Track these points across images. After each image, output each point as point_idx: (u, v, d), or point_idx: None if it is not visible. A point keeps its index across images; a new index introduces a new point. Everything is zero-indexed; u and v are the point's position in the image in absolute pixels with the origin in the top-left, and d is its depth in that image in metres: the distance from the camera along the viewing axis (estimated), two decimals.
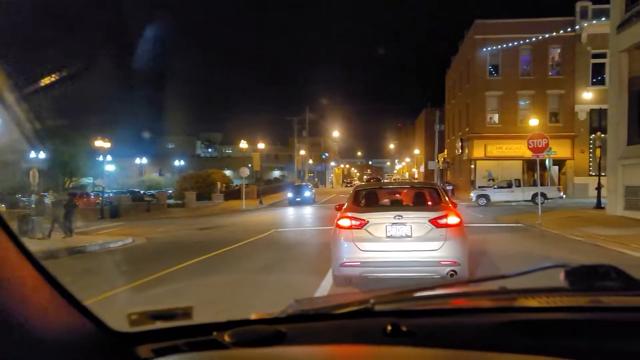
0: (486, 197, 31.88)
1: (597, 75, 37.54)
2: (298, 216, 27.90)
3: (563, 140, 37.05)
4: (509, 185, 32.48)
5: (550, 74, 38.45)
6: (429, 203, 8.03)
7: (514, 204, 31.42)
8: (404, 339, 1.33)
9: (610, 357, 1.22)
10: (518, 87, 38.35)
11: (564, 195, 32.37)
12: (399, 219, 7.22)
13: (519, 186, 32.49)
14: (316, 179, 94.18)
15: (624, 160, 18.98)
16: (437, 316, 1.49)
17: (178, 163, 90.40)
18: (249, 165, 42.29)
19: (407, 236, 7.20)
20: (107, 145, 35.87)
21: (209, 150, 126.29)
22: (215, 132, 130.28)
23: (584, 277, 1.40)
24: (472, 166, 40.14)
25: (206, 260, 12.24)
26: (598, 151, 24.62)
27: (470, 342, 1.29)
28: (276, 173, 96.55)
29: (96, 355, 1.28)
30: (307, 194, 38.03)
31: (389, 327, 1.35)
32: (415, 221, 7.22)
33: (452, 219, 7.24)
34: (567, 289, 1.41)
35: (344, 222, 7.42)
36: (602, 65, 37.24)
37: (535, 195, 31.36)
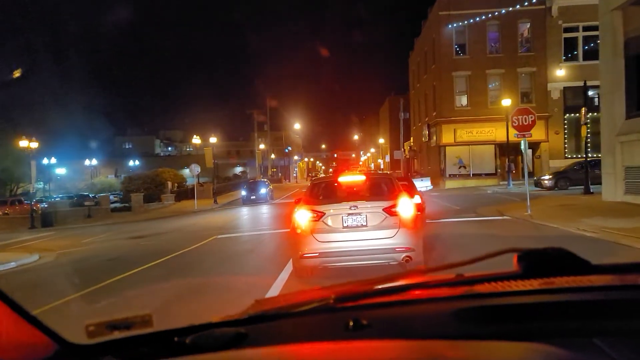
0: None
1: (570, 50, 35.25)
2: (250, 217, 24.48)
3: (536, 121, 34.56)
4: None
5: (520, 51, 35.95)
6: (383, 193, 8.08)
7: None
8: (366, 332, 1.35)
9: (563, 336, 1.25)
10: (487, 66, 35.72)
11: (431, 186, 30.59)
12: (354, 209, 7.45)
13: None
14: (280, 174, 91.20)
15: (623, 136, 16.26)
16: (397, 308, 1.50)
17: (133, 163, 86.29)
18: (216, 161, 38.62)
19: (362, 225, 7.43)
20: (35, 145, 31.66)
21: (169, 148, 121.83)
22: (176, 130, 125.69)
23: (536, 260, 1.41)
24: (442, 153, 37.33)
25: (94, 293, 8.79)
26: (584, 130, 22.01)
27: (430, 331, 1.34)
28: (239, 169, 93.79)
29: None
30: (262, 191, 34.37)
31: (351, 323, 1.37)
32: (369, 211, 7.46)
33: (405, 207, 7.47)
34: (520, 274, 1.42)
35: (302, 215, 7.57)
36: (575, 39, 35.01)
37: None
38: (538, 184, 28.07)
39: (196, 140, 46.02)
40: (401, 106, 57.70)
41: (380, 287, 1.56)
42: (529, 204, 16.03)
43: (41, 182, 75.22)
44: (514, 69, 35.48)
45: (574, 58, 35.06)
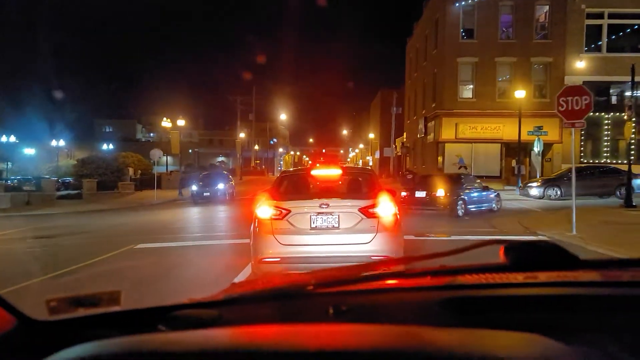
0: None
1: (593, 40, 30.87)
2: (197, 219, 19.57)
3: (550, 119, 30.03)
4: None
5: (535, 38, 31.38)
6: (361, 190, 7.18)
7: None
8: (346, 318, 1.34)
9: (548, 330, 1.16)
10: (497, 53, 31.13)
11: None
12: (325, 207, 6.54)
13: None
14: (263, 167, 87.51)
15: None
16: (378, 295, 1.48)
17: (107, 147, 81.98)
18: (198, 149, 33.86)
19: (334, 227, 6.55)
20: None
21: (151, 134, 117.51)
22: (159, 116, 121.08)
23: (523, 253, 1.39)
24: (440, 151, 32.75)
25: None
26: (628, 129, 17.43)
27: (411, 320, 1.30)
28: (222, 159, 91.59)
29: (10, 345, 1.21)
30: (220, 186, 26.80)
31: (331, 310, 1.34)
32: (343, 210, 6.59)
33: (385, 208, 6.57)
34: (506, 266, 1.40)
35: (263, 212, 6.65)
36: (599, 28, 30.65)
37: None
38: (525, 191, 24.18)
39: (166, 123, 41.03)
40: (394, 100, 53.25)
41: (362, 274, 1.52)
42: (574, 219, 11.47)
43: (9, 162, 70.52)
44: (528, 58, 30.96)
45: (597, 49, 30.69)
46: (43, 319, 1.26)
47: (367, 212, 6.51)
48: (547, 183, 23.30)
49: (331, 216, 6.54)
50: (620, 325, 1.26)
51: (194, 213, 21.59)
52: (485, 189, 18.06)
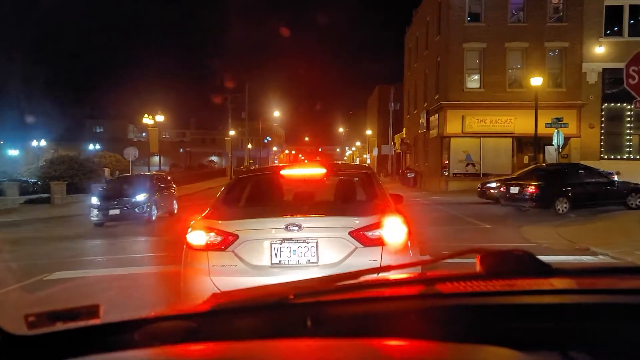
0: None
1: (613, 23, 27.98)
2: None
3: (566, 110, 27.15)
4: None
5: (549, 20, 28.40)
6: (355, 200, 4.89)
7: None
8: (324, 330, 1.33)
9: (521, 338, 1.23)
10: (507, 37, 28.15)
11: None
12: (295, 230, 4.05)
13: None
14: (257, 166, 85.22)
15: None
16: (357, 305, 1.48)
17: (93, 147, 79.75)
18: (189, 149, 30.70)
19: (309, 264, 4.08)
20: None
21: (143, 134, 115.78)
22: (152, 115, 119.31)
23: (499, 262, 1.41)
24: (445, 147, 29.73)
25: None
26: None
27: (390, 329, 1.32)
28: (215, 159, 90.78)
29: None
30: (139, 197, 17.14)
31: (309, 322, 1.34)
32: (325, 234, 4.12)
33: (393, 230, 4.10)
34: (483, 275, 1.42)
35: (196, 238, 4.20)
36: (619, 9, 27.68)
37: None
38: (483, 194, 20.30)
39: (147, 120, 37.98)
40: (391, 95, 50.41)
41: (341, 284, 1.53)
42: None
43: None
44: (541, 43, 28.00)
45: (618, 33, 27.80)
46: (22, 333, 1.25)
47: (365, 238, 4.07)
48: (508, 183, 18.28)
49: (305, 244, 4.10)
50: (591, 332, 1.26)
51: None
52: (611, 183, 16.40)
